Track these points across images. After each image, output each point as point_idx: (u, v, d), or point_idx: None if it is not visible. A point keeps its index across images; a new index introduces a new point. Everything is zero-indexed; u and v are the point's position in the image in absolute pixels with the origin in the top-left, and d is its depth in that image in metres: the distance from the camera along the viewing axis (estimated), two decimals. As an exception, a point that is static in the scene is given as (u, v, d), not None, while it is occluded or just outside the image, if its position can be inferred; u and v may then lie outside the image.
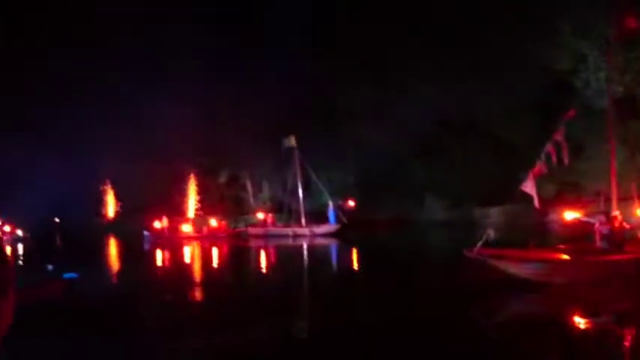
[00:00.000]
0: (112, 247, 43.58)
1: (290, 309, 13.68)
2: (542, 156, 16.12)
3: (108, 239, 49.65)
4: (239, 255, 32.73)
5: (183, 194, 62.11)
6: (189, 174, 61.72)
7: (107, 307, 14.37)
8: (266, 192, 59.22)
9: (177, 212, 56.81)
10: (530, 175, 16.18)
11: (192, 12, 55.04)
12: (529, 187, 16.24)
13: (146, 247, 39.69)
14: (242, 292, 17.37)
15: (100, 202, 67.30)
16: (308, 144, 48.42)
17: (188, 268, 26.43)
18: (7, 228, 46.35)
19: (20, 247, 40.54)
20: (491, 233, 15.30)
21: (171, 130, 52.31)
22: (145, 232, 44.69)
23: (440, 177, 49.88)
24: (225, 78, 54.49)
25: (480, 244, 14.77)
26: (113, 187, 66.70)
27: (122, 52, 56.35)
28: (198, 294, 17.90)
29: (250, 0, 55.39)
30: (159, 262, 29.87)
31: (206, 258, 30.52)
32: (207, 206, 60.58)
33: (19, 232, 46.92)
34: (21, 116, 60.12)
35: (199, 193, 62.44)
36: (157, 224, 46.78)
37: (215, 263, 27.91)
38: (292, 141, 46.70)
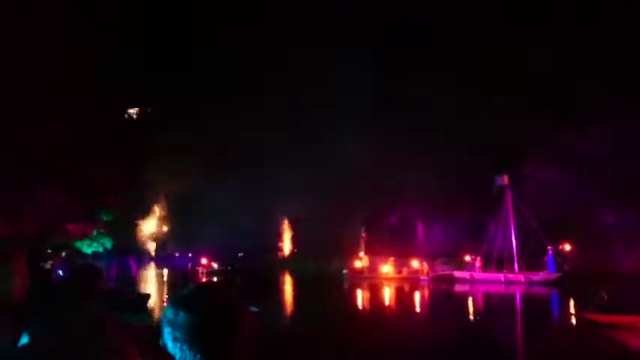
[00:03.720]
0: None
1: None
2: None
3: (285, 275, 52.11)
4: (442, 299, 31.68)
5: (355, 234, 63.48)
6: (361, 213, 63.04)
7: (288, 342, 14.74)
8: (437, 234, 58.40)
9: (350, 252, 58.16)
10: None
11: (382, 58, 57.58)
12: None
13: (345, 285, 40.43)
14: (443, 342, 16.60)
15: (278, 239, 71.26)
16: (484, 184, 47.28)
17: (388, 309, 26.37)
18: (204, 261, 50.41)
19: (215, 280, 44.14)
20: (604, 296, 13.24)
21: (349, 171, 54.48)
22: (344, 271, 45.70)
23: (631, 224, 45.43)
24: (399, 116, 55.43)
25: (591, 308, 12.81)
26: (290, 225, 70.35)
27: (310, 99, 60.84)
28: (393, 336, 17.85)
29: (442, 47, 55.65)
30: (359, 301, 30.36)
31: (406, 300, 30.24)
32: (376, 246, 61.24)
33: (215, 265, 50.63)
34: (213, 153, 66.62)
35: (369, 233, 63.43)
36: (357, 263, 47.61)
37: (416, 307, 27.52)
38: (505, 179, 43.57)
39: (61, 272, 21.30)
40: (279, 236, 71.30)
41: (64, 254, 57.04)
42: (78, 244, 63.59)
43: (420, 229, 59.89)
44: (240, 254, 64.76)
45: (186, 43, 69.91)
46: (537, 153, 49.30)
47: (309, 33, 64.47)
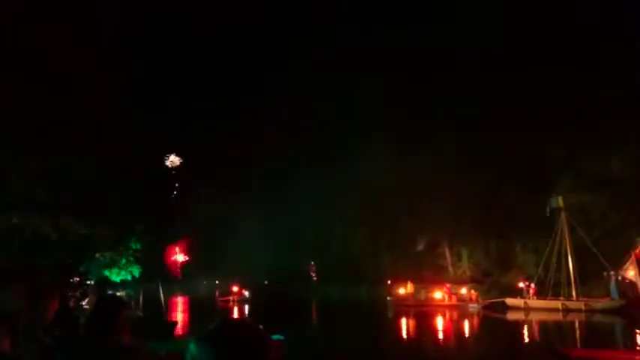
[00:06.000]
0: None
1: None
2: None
3: (318, 302, 51.12)
4: (493, 329, 29.64)
5: (378, 259, 63.01)
6: (387, 239, 62.61)
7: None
8: (465, 260, 57.47)
9: (372, 278, 57.70)
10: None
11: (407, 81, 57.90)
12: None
13: (390, 313, 38.23)
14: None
15: (307, 268, 71.06)
16: (511, 209, 46.67)
17: (432, 339, 25.06)
18: (235, 288, 50.05)
19: (246, 308, 43.72)
20: None
21: (374, 196, 54.39)
22: (388, 298, 44.44)
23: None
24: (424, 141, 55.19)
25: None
26: (316, 254, 70.09)
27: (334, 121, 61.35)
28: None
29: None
30: (407, 333, 28.56)
31: (453, 330, 28.92)
32: (402, 273, 60.44)
33: (246, 293, 49.88)
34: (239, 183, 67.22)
35: (395, 258, 62.80)
36: (401, 290, 46.03)
37: (464, 337, 26.31)
38: (559, 201, 41.52)
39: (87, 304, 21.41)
40: (307, 265, 71.25)
41: (92, 282, 57.56)
42: (107, 273, 64.10)
43: (447, 254, 58.91)
44: (265, 282, 64.75)
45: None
46: (566, 176, 48.29)
47: (332, 55, 65.34)
